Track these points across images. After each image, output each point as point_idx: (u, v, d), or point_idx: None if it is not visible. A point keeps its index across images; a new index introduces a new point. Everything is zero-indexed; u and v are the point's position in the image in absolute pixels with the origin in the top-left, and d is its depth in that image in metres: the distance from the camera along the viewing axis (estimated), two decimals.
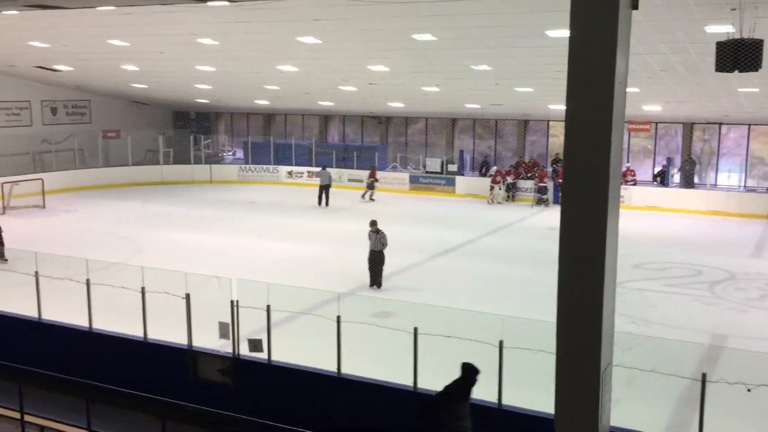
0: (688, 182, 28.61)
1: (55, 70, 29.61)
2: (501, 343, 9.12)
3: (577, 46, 4.62)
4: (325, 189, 28.69)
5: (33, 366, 10.57)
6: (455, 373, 8.42)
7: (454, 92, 27.47)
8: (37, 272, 12.75)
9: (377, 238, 16.71)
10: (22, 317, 12.96)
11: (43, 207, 27.04)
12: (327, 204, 28.60)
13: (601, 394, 4.94)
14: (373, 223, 17.09)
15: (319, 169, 30.20)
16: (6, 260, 18.43)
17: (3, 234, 19.01)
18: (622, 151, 5.07)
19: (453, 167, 32.18)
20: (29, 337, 12.75)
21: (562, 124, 27.95)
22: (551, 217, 25.79)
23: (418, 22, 16.93)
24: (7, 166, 29.93)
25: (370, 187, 30.35)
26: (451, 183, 31.48)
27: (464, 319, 11.44)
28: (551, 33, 16.47)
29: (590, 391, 4.96)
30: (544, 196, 28.98)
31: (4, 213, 25.88)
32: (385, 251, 16.81)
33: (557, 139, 32.82)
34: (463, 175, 31.99)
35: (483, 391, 9.54)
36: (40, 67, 29.13)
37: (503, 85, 24.93)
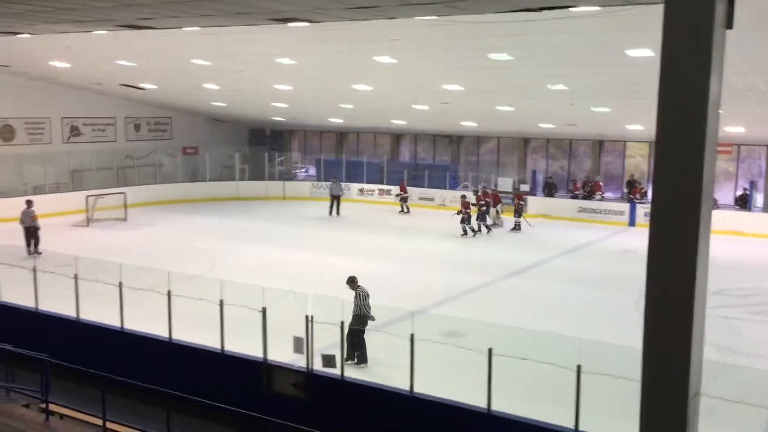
0: None
1: (140, 88, 30.77)
2: (579, 367, 8.93)
3: (669, 66, 4.53)
4: (336, 199, 30.24)
5: (115, 374, 10.91)
6: (530, 397, 8.30)
7: (528, 112, 27.24)
8: (120, 283, 13.22)
9: (355, 299, 12.62)
10: (106, 326, 13.45)
11: (125, 220, 28.00)
12: (338, 214, 30.08)
13: (690, 423, 4.79)
14: (351, 280, 13.00)
15: (330, 182, 31.60)
16: (40, 253, 20.92)
17: (40, 232, 21.64)
18: (714, 173, 4.93)
19: (525, 187, 31.84)
20: (112, 345, 13.21)
21: (639, 144, 27.03)
22: (627, 239, 25.19)
23: (495, 41, 16.89)
24: (92, 180, 31.26)
25: (404, 200, 31.55)
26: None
27: (536, 341, 11.25)
28: (631, 52, 16.17)
29: (678, 420, 4.81)
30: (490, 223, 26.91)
31: (88, 225, 26.94)
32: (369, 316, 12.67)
33: (633, 160, 32.09)
34: (535, 195, 31.62)
35: (559, 416, 9.37)
36: (126, 85, 30.31)
37: (579, 105, 24.58)
